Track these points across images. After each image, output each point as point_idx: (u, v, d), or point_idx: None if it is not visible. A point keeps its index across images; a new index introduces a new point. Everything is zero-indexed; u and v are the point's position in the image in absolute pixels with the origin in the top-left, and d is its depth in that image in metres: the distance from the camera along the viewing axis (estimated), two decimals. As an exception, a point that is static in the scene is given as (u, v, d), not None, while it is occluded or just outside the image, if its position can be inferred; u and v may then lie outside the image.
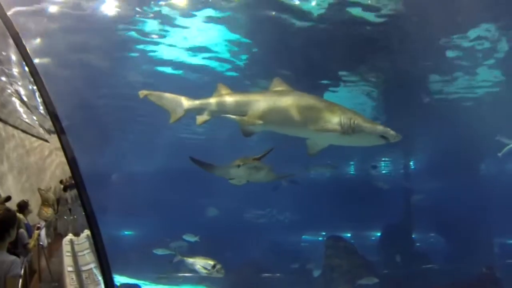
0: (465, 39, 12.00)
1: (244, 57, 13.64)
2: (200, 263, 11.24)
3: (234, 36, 12.27)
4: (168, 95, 7.47)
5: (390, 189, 26.69)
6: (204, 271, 11.16)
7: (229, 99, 7.07)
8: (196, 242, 19.39)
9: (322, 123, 6.27)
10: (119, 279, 17.22)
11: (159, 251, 17.50)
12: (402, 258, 19.04)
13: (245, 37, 12.33)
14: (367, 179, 29.75)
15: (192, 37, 12.35)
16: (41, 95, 3.53)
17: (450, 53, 12.96)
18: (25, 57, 3.45)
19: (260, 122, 6.52)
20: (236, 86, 7.63)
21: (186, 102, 7.33)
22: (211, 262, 11.10)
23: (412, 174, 28.80)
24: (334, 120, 6.23)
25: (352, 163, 30.58)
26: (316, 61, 13.38)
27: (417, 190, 25.75)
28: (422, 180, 28.10)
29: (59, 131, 3.53)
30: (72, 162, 3.54)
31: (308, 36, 11.77)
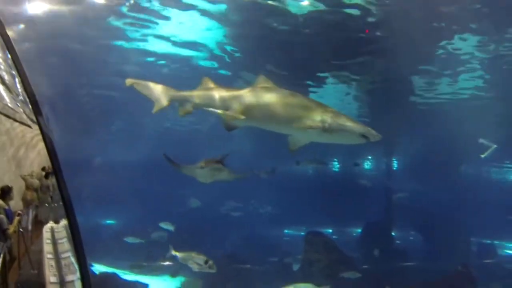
0: (450, 45, 12.11)
1: (230, 50, 13.66)
2: (192, 259, 11.29)
3: (222, 31, 12.27)
4: (153, 85, 7.53)
5: (372, 187, 27.07)
6: (196, 266, 11.22)
7: (213, 93, 7.12)
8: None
9: (303, 121, 6.35)
10: (98, 267, 17.22)
11: (130, 239, 17.68)
12: (381, 254, 19.33)
13: (231, 34, 12.37)
14: (350, 177, 30.11)
15: (179, 29, 12.31)
16: (22, 81, 3.52)
17: (435, 57, 13.09)
18: (7, 42, 3.44)
19: (243, 117, 6.57)
20: (221, 81, 7.64)
21: (170, 93, 7.41)
22: (203, 258, 11.15)
23: (394, 173, 29.27)
24: (316, 118, 6.30)
25: (335, 160, 30.91)
26: (301, 61, 13.46)
27: (399, 189, 26.16)
28: (403, 179, 28.57)
29: (39, 118, 3.52)
30: (51, 149, 3.54)
31: (292, 36, 11.82)
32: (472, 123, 17.16)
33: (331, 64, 14.01)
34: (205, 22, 11.64)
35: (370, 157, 29.13)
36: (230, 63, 14.25)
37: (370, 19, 10.76)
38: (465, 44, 12.01)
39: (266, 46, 12.63)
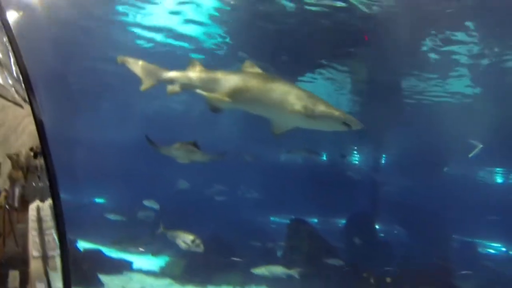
0: (446, 43, 12.27)
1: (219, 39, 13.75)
2: (180, 237, 11.49)
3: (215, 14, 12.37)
4: (143, 63, 7.77)
5: (360, 180, 27.36)
6: (184, 245, 11.43)
7: (201, 75, 7.32)
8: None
9: (287, 105, 6.50)
10: (83, 244, 17.40)
11: (111, 216, 17.98)
12: (364, 245, 19.69)
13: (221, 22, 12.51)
14: (338, 168, 30.38)
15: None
16: (15, 56, 3.61)
17: (429, 55, 13.25)
18: (4, 22, 3.53)
19: (228, 99, 6.72)
20: (208, 65, 7.81)
21: (159, 72, 7.63)
22: (191, 237, 11.37)
23: (382, 167, 29.58)
24: (299, 103, 6.45)
25: (324, 152, 31.14)
26: (293, 51, 13.55)
27: (385, 183, 26.48)
28: (390, 174, 28.88)
29: (31, 97, 3.64)
30: (41, 128, 3.68)
31: (284, 25, 11.99)
32: (460, 124, 17.43)
33: (319, 59, 14.16)
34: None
35: (358, 151, 29.39)
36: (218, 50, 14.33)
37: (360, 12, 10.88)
38: (455, 45, 12.21)
39: (255, 35, 12.75)
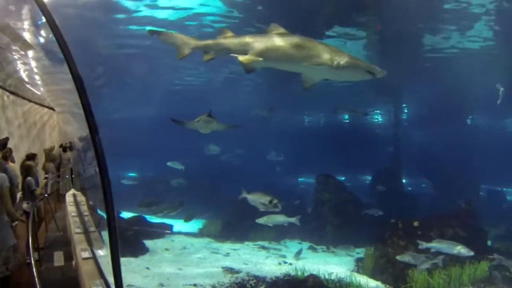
0: None
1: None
2: (258, 199, 12.20)
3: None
4: (177, 34, 8.00)
5: (384, 136, 27.62)
6: (262, 206, 12.16)
7: (232, 40, 7.77)
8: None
9: (314, 59, 7.02)
10: (125, 214, 18.45)
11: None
12: (391, 196, 20.25)
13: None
14: (362, 127, 30.67)
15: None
16: (66, 60, 4.06)
17: (445, 6, 13.10)
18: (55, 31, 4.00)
19: (260, 59, 7.27)
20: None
21: (193, 42, 7.87)
22: (268, 198, 12.04)
23: (404, 123, 29.66)
24: (325, 56, 6.98)
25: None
26: (309, 13, 13.73)
27: (410, 139, 26.70)
28: (414, 128, 29.03)
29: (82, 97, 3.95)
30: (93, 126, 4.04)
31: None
32: (482, 74, 17.41)
33: (340, 15, 14.34)
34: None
35: (380, 108, 29.43)
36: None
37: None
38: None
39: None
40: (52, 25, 3.97)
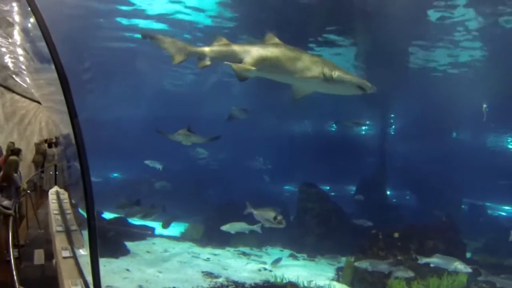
0: (451, 9, 12.55)
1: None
2: (263, 215, 12.20)
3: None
4: (171, 39, 7.90)
5: (371, 147, 27.84)
6: (267, 222, 12.17)
7: (227, 48, 7.84)
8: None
9: (307, 71, 7.15)
10: (107, 215, 18.30)
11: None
12: (374, 208, 20.39)
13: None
14: (349, 137, 30.88)
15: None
16: (51, 55, 4.01)
17: (434, 22, 13.46)
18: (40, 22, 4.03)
19: (254, 68, 7.36)
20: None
21: (188, 48, 7.85)
22: (273, 214, 12.04)
23: (390, 135, 29.96)
24: (318, 69, 7.12)
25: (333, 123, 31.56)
26: (299, 23, 13.93)
27: (394, 150, 26.95)
28: (400, 141, 29.32)
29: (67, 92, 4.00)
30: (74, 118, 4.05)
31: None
32: (469, 90, 17.70)
33: (330, 25, 14.52)
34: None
35: (367, 121, 29.75)
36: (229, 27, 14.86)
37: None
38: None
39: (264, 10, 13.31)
40: (39, 20, 3.99)
